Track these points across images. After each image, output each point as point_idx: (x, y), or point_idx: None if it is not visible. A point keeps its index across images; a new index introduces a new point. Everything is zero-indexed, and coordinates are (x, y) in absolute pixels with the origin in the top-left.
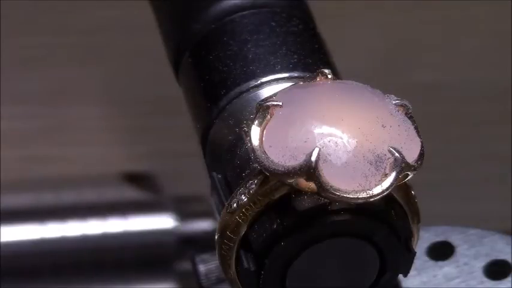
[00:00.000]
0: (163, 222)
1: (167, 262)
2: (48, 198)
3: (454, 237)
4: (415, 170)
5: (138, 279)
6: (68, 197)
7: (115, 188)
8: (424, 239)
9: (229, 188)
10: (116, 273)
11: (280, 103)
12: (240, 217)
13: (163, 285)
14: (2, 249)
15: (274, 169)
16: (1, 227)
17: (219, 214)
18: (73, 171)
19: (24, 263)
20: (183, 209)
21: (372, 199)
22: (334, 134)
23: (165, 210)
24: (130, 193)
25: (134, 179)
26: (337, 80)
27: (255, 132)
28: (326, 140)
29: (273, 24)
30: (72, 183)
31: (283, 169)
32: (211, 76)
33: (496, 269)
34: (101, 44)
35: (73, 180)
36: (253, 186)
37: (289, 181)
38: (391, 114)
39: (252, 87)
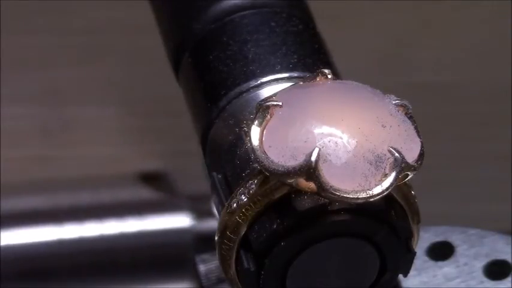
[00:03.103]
0: (179, 221)
1: (184, 261)
2: (64, 199)
3: (454, 237)
4: (415, 170)
5: (155, 279)
6: (84, 198)
7: (131, 188)
8: (424, 239)
9: (229, 188)
10: (133, 273)
11: (280, 103)
12: (240, 217)
13: (180, 285)
14: (20, 250)
15: (274, 169)
16: (18, 229)
17: (219, 214)
18: (77, 172)
19: (42, 263)
20: (198, 207)
21: (372, 199)
22: (334, 134)
23: (181, 210)
24: (146, 193)
25: (149, 178)
26: (337, 80)
27: (255, 132)
28: (326, 140)
29: (273, 24)
30: (88, 184)
31: (283, 169)
32: (211, 76)
33: (496, 269)
34: (101, 43)
35: (88, 181)
36: (253, 186)
37: (289, 181)
38: (391, 114)
39: (252, 87)
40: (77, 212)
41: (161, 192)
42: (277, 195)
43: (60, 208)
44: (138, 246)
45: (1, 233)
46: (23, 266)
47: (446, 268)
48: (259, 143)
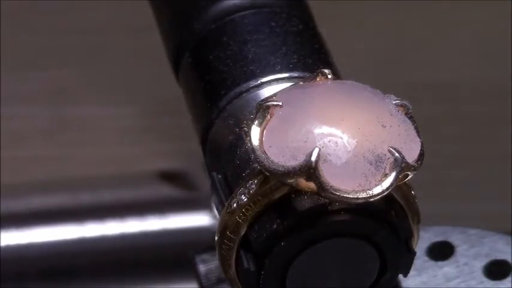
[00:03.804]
0: (200, 219)
1: None
2: (85, 198)
3: (454, 237)
4: (415, 170)
5: (177, 277)
6: (104, 196)
7: (151, 186)
8: (424, 239)
9: (229, 188)
10: (154, 271)
11: (280, 103)
12: (240, 217)
13: None
14: (41, 249)
15: (274, 169)
16: (40, 228)
17: (219, 214)
18: (85, 172)
19: (63, 262)
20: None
21: (372, 199)
22: (334, 134)
23: (202, 208)
24: (166, 191)
25: (168, 177)
26: (337, 80)
27: (255, 132)
28: (326, 140)
29: (273, 24)
30: (108, 183)
31: (283, 169)
32: (211, 76)
33: (496, 269)
34: (102, 43)
35: (105, 180)
36: (253, 186)
37: (289, 181)
38: (391, 114)
39: (252, 87)
40: (97, 210)
41: (181, 190)
42: (277, 195)
43: (80, 207)
44: (160, 245)
45: (21, 232)
46: (44, 264)
47: (446, 268)
48: (259, 143)
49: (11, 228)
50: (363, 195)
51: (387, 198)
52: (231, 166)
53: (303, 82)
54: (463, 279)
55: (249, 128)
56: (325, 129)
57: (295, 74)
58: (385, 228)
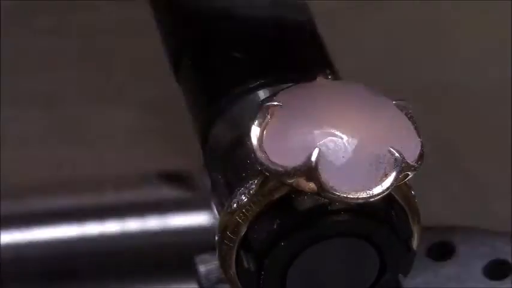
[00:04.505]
0: (200, 219)
1: None
2: (85, 198)
3: (454, 237)
4: (415, 170)
5: (177, 277)
6: (105, 197)
7: (153, 187)
8: (424, 239)
9: (229, 188)
10: (154, 271)
11: (280, 103)
12: (240, 217)
13: None
14: (44, 249)
15: (274, 169)
16: (40, 228)
17: (219, 214)
18: (88, 173)
19: (64, 262)
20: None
21: (372, 199)
22: (334, 134)
23: (202, 208)
24: (166, 191)
25: (168, 177)
26: (337, 80)
27: (255, 132)
28: (326, 140)
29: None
30: (111, 183)
31: (283, 169)
32: (211, 76)
33: (496, 269)
34: (103, 44)
35: (107, 181)
36: (253, 186)
37: (289, 181)
38: (391, 114)
39: (252, 88)
40: (97, 210)
41: (181, 190)
42: (277, 195)
43: (81, 207)
44: (161, 245)
45: (21, 232)
46: (44, 264)
47: (446, 268)
48: (259, 143)
49: (11, 228)
50: (363, 195)
51: (387, 198)
52: (231, 166)
53: (303, 82)
54: (463, 279)
55: (249, 128)
56: (325, 129)
57: (295, 75)
58: (385, 228)
